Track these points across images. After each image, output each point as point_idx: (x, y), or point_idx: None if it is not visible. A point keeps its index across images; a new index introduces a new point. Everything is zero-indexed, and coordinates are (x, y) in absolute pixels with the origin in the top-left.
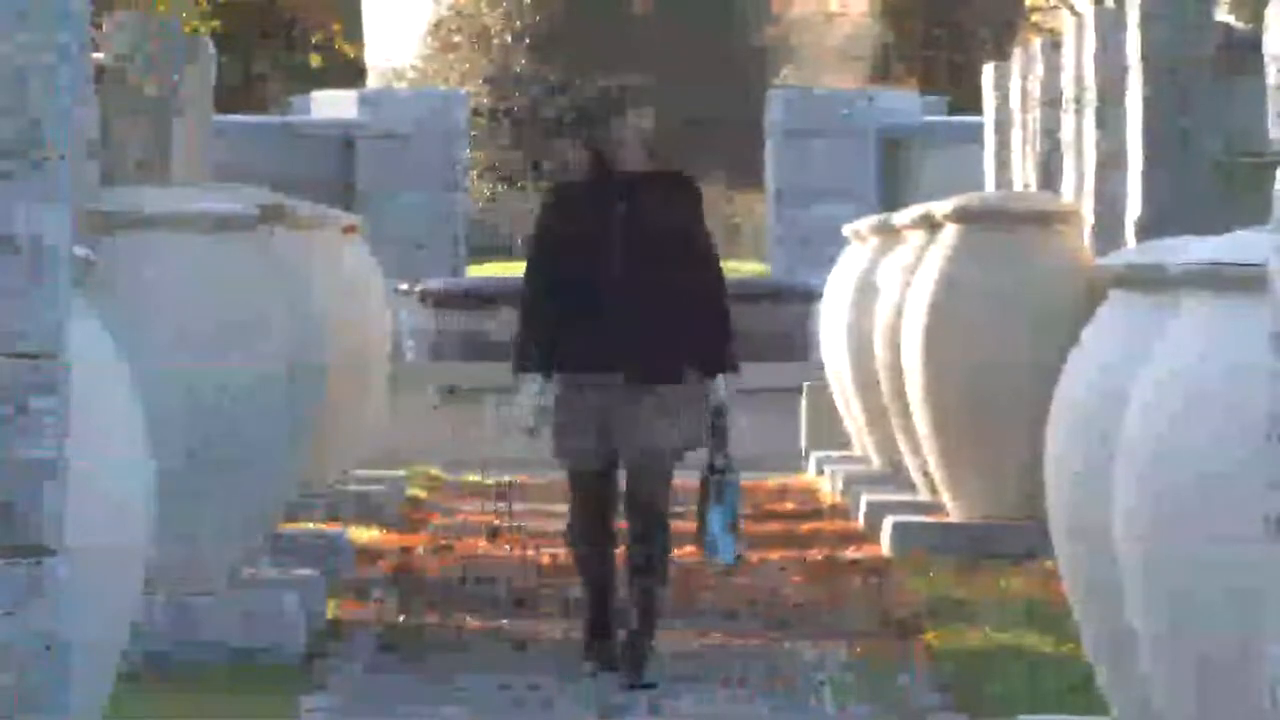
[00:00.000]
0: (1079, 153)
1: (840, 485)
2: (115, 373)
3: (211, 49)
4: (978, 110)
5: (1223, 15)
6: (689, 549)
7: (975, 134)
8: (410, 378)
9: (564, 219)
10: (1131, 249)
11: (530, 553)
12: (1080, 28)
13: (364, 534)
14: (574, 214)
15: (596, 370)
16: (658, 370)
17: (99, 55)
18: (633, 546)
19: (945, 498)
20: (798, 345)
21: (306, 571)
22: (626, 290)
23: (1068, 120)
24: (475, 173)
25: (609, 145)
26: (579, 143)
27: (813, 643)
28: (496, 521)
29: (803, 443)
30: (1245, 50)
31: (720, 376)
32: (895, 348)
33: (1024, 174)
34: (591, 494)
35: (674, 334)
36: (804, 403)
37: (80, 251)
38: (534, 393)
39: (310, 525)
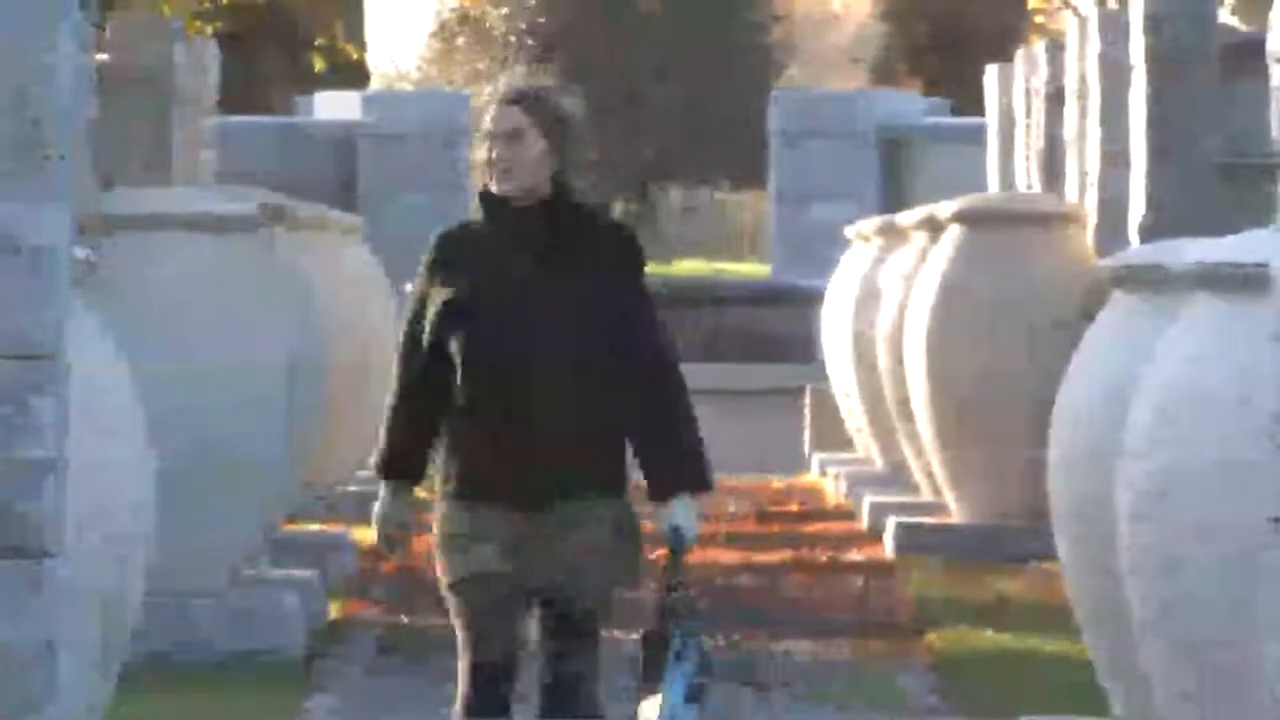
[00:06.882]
0: (1081, 154)
1: (843, 486)
2: (115, 373)
3: (215, 50)
4: (981, 111)
5: (1225, 17)
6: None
7: (976, 135)
8: None
9: (448, 277)
10: (1134, 250)
11: None
12: (1083, 29)
13: (365, 534)
14: (462, 270)
15: (498, 496)
16: (583, 493)
17: (99, 55)
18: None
19: (948, 499)
20: (798, 347)
21: (307, 572)
22: (533, 379)
23: (1070, 122)
24: (478, 174)
25: (489, 164)
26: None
27: (814, 642)
28: None
29: (806, 444)
30: (1248, 52)
31: (680, 496)
32: (898, 349)
33: (1027, 175)
34: (495, 649)
35: (606, 441)
36: (807, 404)
37: (81, 253)
38: (387, 502)
39: (311, 525)
